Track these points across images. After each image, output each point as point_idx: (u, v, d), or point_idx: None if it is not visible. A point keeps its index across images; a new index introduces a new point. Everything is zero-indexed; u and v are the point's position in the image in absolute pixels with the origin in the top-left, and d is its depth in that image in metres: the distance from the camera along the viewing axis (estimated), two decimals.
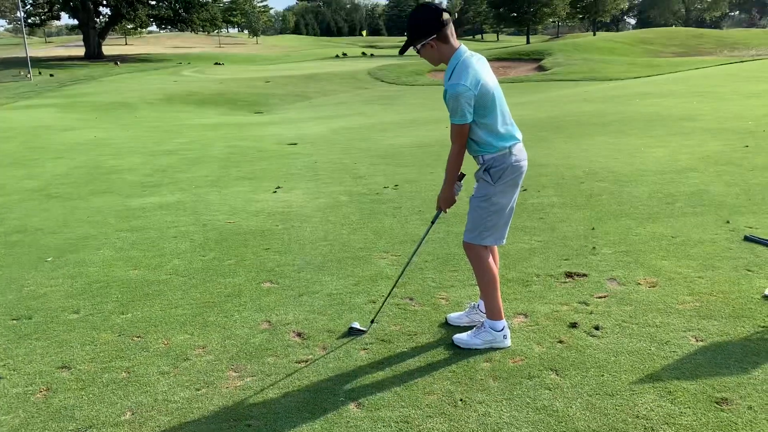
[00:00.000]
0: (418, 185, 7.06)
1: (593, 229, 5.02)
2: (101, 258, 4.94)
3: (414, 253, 3.59)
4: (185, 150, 11.10)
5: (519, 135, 3.15)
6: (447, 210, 3.27)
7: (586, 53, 38.15)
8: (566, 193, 6.22)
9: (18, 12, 39.76)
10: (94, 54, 56.61)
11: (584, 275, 4.03)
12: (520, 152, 3.12)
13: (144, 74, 37.92)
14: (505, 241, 3.24)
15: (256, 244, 5.10)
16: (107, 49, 62.69)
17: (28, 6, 54.34)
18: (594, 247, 4.56)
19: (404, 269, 3.63)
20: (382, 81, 32.09)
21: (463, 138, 3.06)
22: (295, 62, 54.16)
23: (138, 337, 3.46)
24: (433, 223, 3.41)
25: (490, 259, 3.20)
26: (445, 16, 2.99)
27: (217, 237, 5.37)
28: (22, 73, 37.19)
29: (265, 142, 11.84)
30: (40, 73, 38.32)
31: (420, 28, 3.01)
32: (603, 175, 6.93)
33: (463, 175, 3.19)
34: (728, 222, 4.95)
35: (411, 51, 3.18)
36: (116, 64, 45.41)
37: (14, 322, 3.74)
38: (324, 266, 4.49)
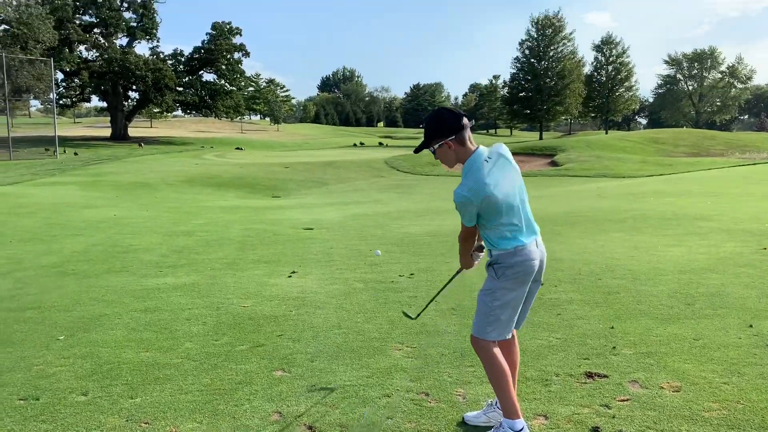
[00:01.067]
0: (433, 275, 7.03)
1: (612, 327, 4.93)
2: (113, 338, 4.90)
3: (435, 296, 3.86)
4: (203, 231, 11.22)
5: (532, 236, 3.15)
6: (467, 270, 3.47)
7: (599, 150, 38.81)
8: (584, 289, 6.16)
9: (51, 94, 41.39)
10: (120, 135, 58.51)
11: (605, 376, 3.91)
12: (531, 252, 3.10)
13: (166, 156, 38.94)
14: (510, 335, 3.21)
15: (269, 330, 5.04)
16: (133, 131, 64.83)
17: (61, 88, 56.71)
18: (614, 347, 4.46)
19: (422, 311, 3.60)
20: (398, 170, 32.68)
21: (468, 235, 3.23)
22: (314, 149, 55.50)
23: (146, 423, 3.37)
24: (451, 279, 3.54)
25: (498, 353, 3.14)
26: (465, 120, 3.07)
27: (231, 321, 5.33)
28: (48, 151, 38.36)
29: (281, 226, 11.95)
30: (65, 151, 39.51)
31: (438, 129, 3.09)
32: (620, 272, 6.88)
33: (482, 247, 3.26)
34: (751, 326, 4.85)
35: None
36: (140, 145, 46.79)
37: (21, 402, 3.67)
38: (338, 356, 4.41)
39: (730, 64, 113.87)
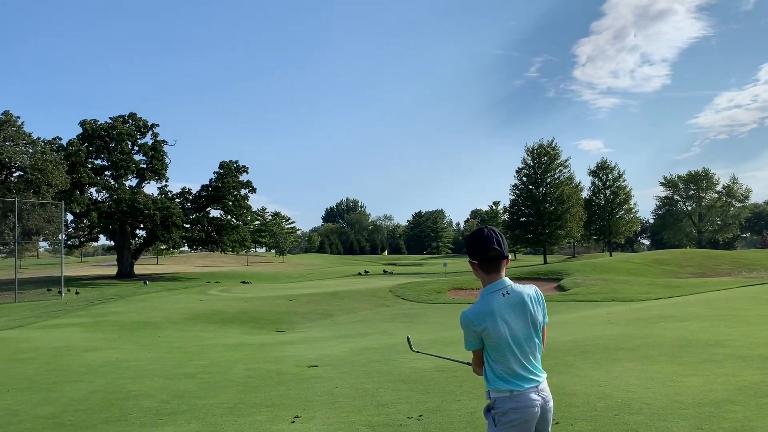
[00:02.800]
0: (444, 416, 6.75)
1: None
2: None
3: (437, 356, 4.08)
4: (205, 373, 10.95)
5: (533, 383, 3.05)
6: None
7: (605, 273, 38.77)
8: (601, 428, 5.88)
9: (60, 235, 42.22)
10: (126, 273, 58.89)
11: None
12: (530, 399, 3.00)
13: (171, 293, 38.94)
14: None
15: None
16: (139, 268, 65.36)
17: (70, 229, 57.89)
18: None
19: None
20: (403, 299, 32.47)
21: (476, 359, 3.20)
22: (318, 279, 55.56)
23: None
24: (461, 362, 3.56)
25: None
26: (492, 252, 3.09)
27: None
28: (49, 291, 38.51)
29: (285, 364, 11.68)
30: (68, 290, 39.61)
31: (468, 247, 3.22)
32: (637, 406, 6.60)
33: None
34: None
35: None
36: (145, 283, 46.97)
37: None
38: None
39: (726, 184, 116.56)
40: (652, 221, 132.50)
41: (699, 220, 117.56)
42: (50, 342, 16.81)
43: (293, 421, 6.87)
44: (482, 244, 3.09)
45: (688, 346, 10.43)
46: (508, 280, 3.12)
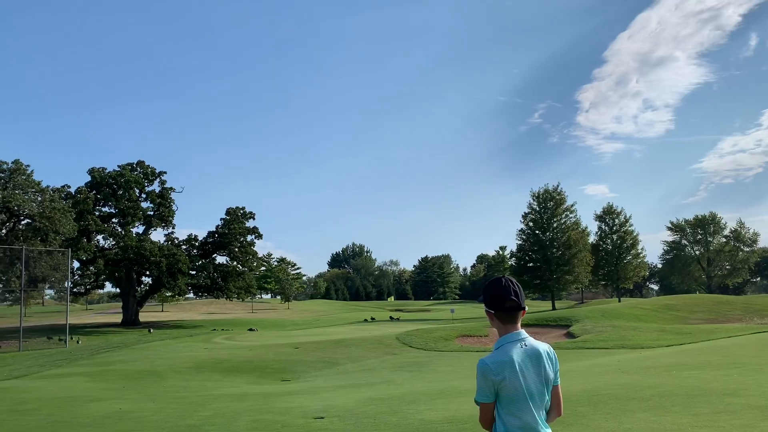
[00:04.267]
0: None
1: None
2: None
3: None
4: (209, 425, 10.75)
5: None
6: None
7: (614, 320, 38.31)
8: None
9: (66, 282, 42.22)
10: (130, 321, 58.60)
11: None
12: None
13: (176, 341, 38.62)
14: None
15: None
16: (144, 315, 65.08)
17: (76, 277, 57.88)
18: None
19: None
20: (410, 346, 32.08)
21: (485, 414, 3.04)
22: (324, 326, 55.08)
23: None
24: None
25: None
26: (510, 303, 3.06)
27: None
28: (51, 339, 38.30)
29: (291, 416, 11.47)
30: (72, 338, 39.35)
31: (484, 295, 3.17)
32: None
33: None
34: None
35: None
36: (149, 331, 46.65)
37: None
38: None
39: (733, 229, 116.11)
40: (659, 266, 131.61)
41: (708, 264, 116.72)
42: (53, 392, 16.61)
43: None
44: (500, 294, 3.06)
45: (701, 395, 10.20)
46: (524, 332, 3.09)
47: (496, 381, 2.89)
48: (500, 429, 2.95)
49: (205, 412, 12.55)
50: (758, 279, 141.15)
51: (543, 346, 3.10)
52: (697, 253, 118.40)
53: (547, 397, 3.05)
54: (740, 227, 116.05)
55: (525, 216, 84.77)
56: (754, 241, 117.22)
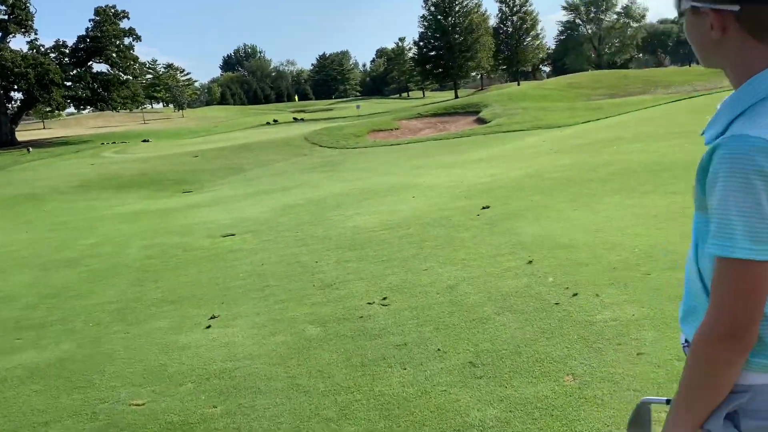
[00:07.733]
0: (414, 294, 4.99)
1: None
2: None
3: None
4: (91, 256, 8.71)
5: None
6: None
7: (522, 102, 37.60)
8: (637, 295, 4.27)
9: None
10: (7, 141, 52.97)
11: None
12: None
13: (59, 159, 34.91)
14: None
15: None
16: (22, 135, 59.09)
17: None
18: None
19: None
20: (320, 146, 30.25)
21: (753, 306, 1.07)
22: (225, 132, 52.03)
23: None
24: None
25: None
26: None
27: None
28: None
29: (194, 235, 9.56)
30: None
31: None
32: (663, 257, 5.04)
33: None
34: None
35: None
36: (28, 150, 42.05)
37: None
38: None
39: (625, 5, 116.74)
40: (554, 47, 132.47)
41: (599, 43, 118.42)
42: None
43: (209, 326, 4.91)
44: None
45: (665, 170, 9.02)
46: None
47: None
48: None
49: (88, 240, 10.43)
50: (641, 55, 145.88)
51: None
52: (590, 31, 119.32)
53: None
54: (631, 2, 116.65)
55: (426, 1, 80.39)
56: (643, 17, 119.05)
